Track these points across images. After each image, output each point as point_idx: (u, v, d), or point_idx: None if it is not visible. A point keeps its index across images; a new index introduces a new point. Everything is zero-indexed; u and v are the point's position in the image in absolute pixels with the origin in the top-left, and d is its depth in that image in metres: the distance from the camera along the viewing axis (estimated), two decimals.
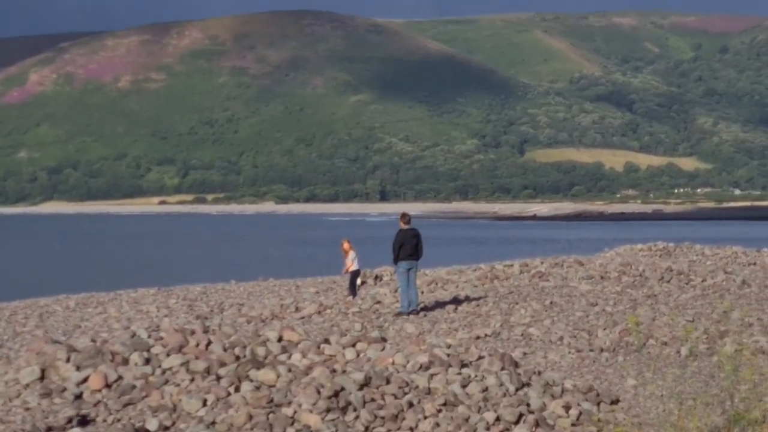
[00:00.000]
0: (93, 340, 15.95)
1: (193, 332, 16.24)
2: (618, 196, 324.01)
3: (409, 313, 25.22)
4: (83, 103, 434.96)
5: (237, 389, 14.50)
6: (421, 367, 15.68)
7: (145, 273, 66.33)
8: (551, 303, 25.97)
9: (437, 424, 14.06)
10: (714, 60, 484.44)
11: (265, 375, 14.79)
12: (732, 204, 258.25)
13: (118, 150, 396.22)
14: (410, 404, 14.44)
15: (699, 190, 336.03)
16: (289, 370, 15.05)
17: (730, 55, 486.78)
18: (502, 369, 16.08)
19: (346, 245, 29.63)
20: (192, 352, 15.47)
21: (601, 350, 20.87)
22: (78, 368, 14.60)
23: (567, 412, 14.97)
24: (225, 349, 15.74)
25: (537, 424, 14.47)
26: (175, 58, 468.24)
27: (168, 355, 15.37)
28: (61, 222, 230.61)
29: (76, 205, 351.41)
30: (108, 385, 14.30)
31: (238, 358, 15.57)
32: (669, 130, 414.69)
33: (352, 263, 29.56)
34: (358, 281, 30.48)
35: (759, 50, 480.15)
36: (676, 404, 13.04)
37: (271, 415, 13.68)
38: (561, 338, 21.93)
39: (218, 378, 14.82)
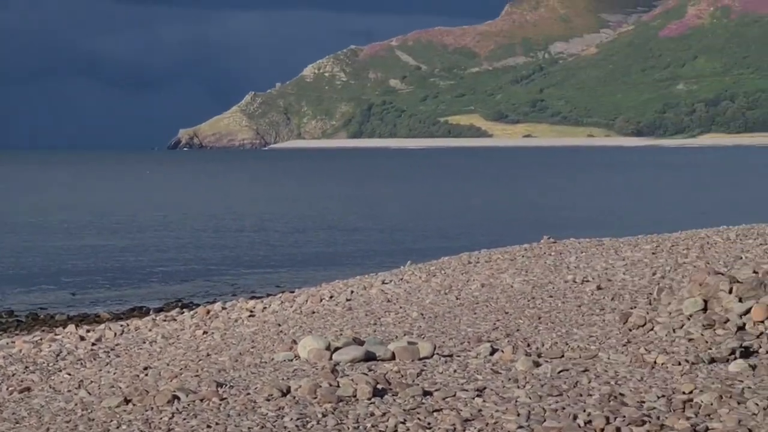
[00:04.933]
0: (755, 272, 15.71)
1: None
2: None
3: None
4: (739, 36, 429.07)
5: None
6: None
7: None
8: None
9: None
10: None
11: None
12: None
13: None
14: None
15: None
16: None
17: None
18: None
19: None
20: None
21: None
22: (740, 300, 14.48)
23: None
24: None
25: None
26: None
27: None
28: (718, 153, 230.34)
29: (733, 138, 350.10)
30: None
31: None
32: None
33: None
34: None
35: None
36: None
37: None
38: None
39: None
